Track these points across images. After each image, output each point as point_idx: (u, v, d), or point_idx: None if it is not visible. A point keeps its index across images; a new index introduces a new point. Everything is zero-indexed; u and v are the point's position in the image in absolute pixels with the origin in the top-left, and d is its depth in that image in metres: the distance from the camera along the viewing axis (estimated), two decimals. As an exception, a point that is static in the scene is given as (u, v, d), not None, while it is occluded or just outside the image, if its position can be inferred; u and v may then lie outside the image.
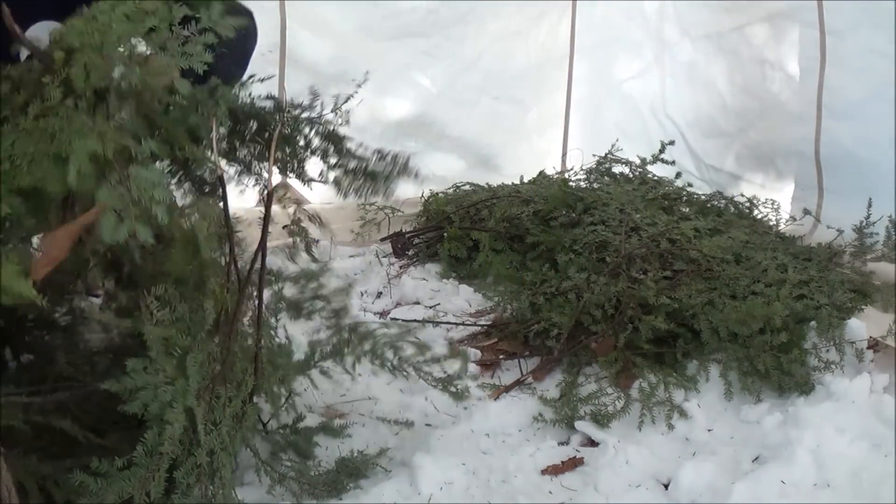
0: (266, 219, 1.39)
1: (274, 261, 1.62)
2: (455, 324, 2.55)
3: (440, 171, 3.67)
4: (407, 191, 3.51)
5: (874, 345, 2.15)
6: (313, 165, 1.56)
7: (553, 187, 3.10)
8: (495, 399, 2.10)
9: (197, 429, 1.28)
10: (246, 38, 1.72)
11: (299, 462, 1.64)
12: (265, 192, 1.43)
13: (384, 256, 3.20)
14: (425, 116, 3.77)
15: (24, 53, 1.31)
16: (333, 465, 1.68)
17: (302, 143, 1.50)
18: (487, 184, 3.45)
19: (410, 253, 3.21)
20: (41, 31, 1.68)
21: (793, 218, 3.16)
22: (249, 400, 1.46)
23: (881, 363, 2.10)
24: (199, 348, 1.31)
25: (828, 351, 2.05)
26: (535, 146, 4.02)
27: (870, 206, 2.57)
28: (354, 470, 1.68)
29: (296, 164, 1.52)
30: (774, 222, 3.09)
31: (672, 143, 3.25)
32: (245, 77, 1.49)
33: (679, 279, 2.31)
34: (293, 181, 1.60)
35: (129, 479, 1.24)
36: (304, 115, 1.49)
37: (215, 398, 1.34)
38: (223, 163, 1.38)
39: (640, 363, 2.12)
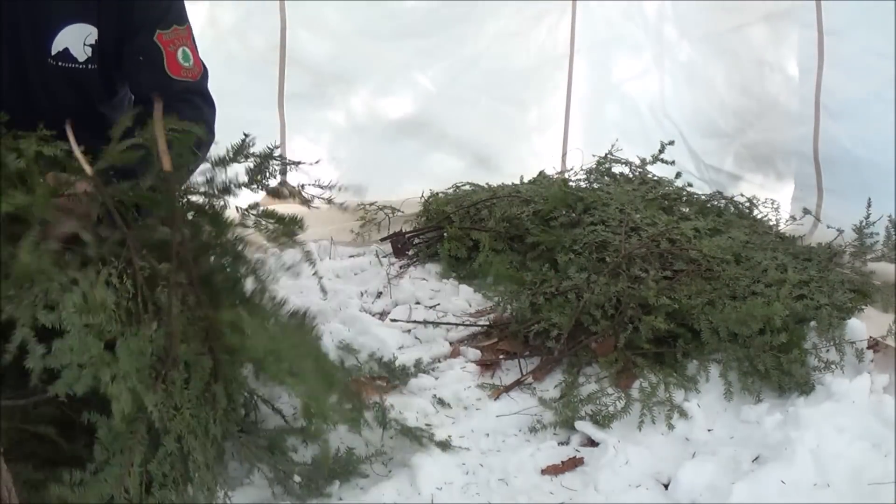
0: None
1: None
2: (455, 324, 2.55)
3: (440, 171, 3.68)
4: (407, 190, 3.56)
5: (874, 345, 2.15)
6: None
7: (553, 187, 3.10)
8: (495, 399, 2.10)
9: (154, 417, 1.27)
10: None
11: (276, 461, 1.62)
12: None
13: (384, 256, 3.20)
14: (425, 116, 3.77)
15: None
16: (310, 466, 1.65)
17: None
18: (487, 184, 3.45)
19: (410, 253, 3.21)
20: (72, 36, 1.74)
21: (793, 218, 3.16)
22: (214, 382, 1.45)
23: (881, 363, 2.10)
24: (130, 333, 1.29)
25: (828, 351, 2.05)
26: (535, 146, 4.02)
27: (869, 206, 2.57)
28: (331, 472, 1.66)
29: None
30: (774, 222, 3.09)
31: (672, 143, 3.25)
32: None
33: (679, 279, 2.31)
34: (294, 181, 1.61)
35: (106, 481, 1.23)
36: None
37: (171, 383, 1.33)
38: None
39: (640, 363, 2.12)
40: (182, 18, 1.86)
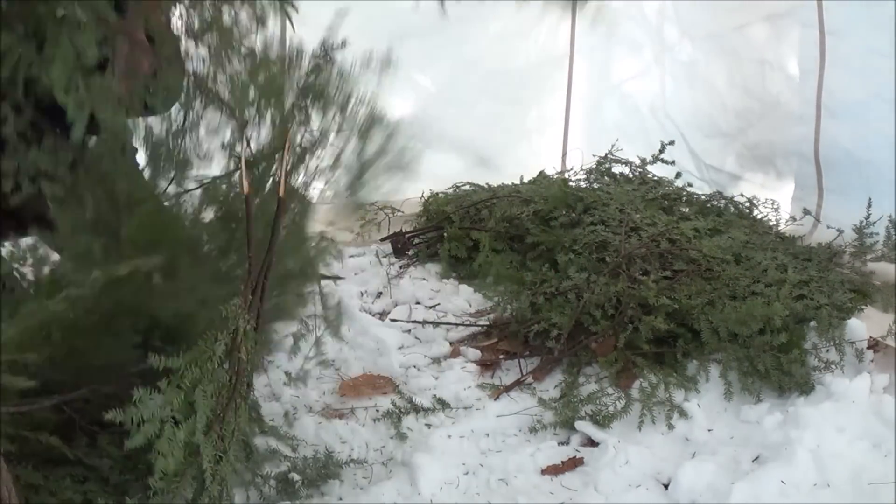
0: (276, 228, 1.34)
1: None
2: (455, 324, 2.55)
3: (440, 171, 3.67)
4: (407, 191, 3.56)
5: (874, 345, 2.15)
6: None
7: (553, 187, 3.10)
8: (495, 399, 2.10)
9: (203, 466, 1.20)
10: None
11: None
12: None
13: (384, 256, 3.20)
14: (425, 116, 3.77)
15: None
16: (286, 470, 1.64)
17: None
18: (487, 184, 3.45)
19: (410, 253, 3.21)
20: None
21: (793, 218, 3.15)
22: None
23: (881, 363, 2.10)
24: (209, 379, 1.21)
25: (828, 351, 2.05)
26: (535, 146, 4.02)
27: (870, 206, 2.57)
28: (305, 476, 1.65)
29: None
30: (774, 222, 3.09)
31: (672, 143, 3.25)
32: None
33: (679, 279, 2.31)
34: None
35: None
36: None
37: (226, 427, 1.26)
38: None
39: (640, 363, 2.12)
40: None
